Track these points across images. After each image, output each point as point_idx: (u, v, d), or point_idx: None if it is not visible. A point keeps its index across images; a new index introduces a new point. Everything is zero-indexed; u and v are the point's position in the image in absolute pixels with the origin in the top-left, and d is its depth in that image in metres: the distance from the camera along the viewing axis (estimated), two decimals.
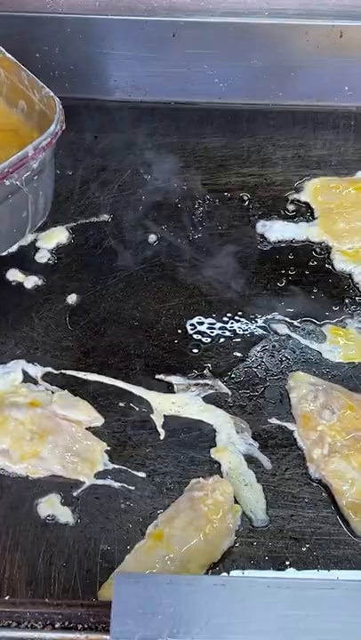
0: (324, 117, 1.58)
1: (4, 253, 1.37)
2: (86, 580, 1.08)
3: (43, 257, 1.39)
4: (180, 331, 1.31)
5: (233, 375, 1.27)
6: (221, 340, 1.30)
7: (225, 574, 1.09)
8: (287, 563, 1.10)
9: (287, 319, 1.33)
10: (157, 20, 1.51)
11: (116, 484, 1.16)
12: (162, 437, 1.21)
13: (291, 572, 1.09)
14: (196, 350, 1.29)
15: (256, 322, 1.32)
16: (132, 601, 0.92)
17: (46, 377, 1.26)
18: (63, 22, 1.51)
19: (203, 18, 1.51)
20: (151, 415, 1.23)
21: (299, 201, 1.47)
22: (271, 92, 1.58)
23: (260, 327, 1.32)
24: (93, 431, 1.21)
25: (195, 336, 1.31)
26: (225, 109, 1.58)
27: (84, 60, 1.55)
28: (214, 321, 1.32)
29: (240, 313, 1.33)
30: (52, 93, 1.30)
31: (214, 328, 1.31)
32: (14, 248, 1.39)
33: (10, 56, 1.35)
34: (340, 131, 1.57)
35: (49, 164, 1.31)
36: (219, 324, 1.32)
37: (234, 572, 1.10)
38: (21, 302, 1.34)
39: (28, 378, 1.26)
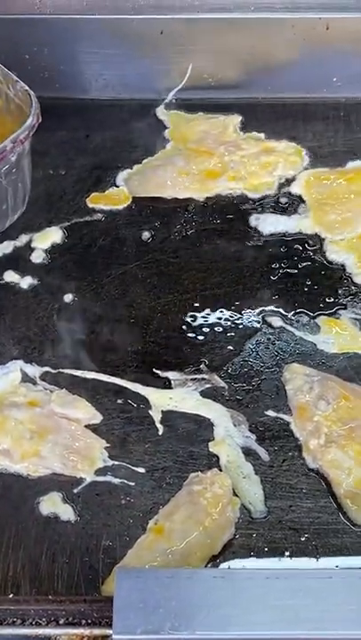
0: (313, 109, 1.59)
1: (0, 255, 1.39)
2: (89, 575, 1.09)
3: (38, 257, 1.40)
4: (175, 326, 1.32)
5: (229, 369, 1.28)
6: (217, 334, 1.32)
7: (226, 565, 1.11)
8: (287, 553, 1.11)
9: (281, 311, 1.34)
10: (145, 17, 1.52)
11: (117, 481, 1.18)
12: (160, 433, 1.22)
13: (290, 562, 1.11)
14: (191, 345, 1.30)
15: (251, 315, 1.34)
16: (133, 596, 0.93)
17: (44, 376, 1.27)
18: (51, 23, 1.52)
19: (190, 14, 1.52)
20: (149, 411, 1.24)
21: (291, 193, 1.48)
22: (260, 86, 1.59)
23: (254, 320, 1.33)
24: (92, 429, 1.22)
25: (190, 331, 1.32)
26: (215, 104, 1.58)
27: (74, 60, 1.56)
28: (209, 315, 1.33)
29: (234, 307, 1.34)
30: (26, 87, 1.32)
31: (209, 323, 1.33)
32: (9, 249, 1.41)
33: None
34: (330, 122, 1.58)
35: (26, 156, 1.33)
36: (214, 319, 1.33)
37: (234, 563, 1.11)
38: (18, 303, 1.35)
39: (26, 378, 1.27)
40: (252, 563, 1.11)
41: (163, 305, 1.35)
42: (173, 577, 0.95)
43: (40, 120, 1.29)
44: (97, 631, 1.00)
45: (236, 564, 1.11)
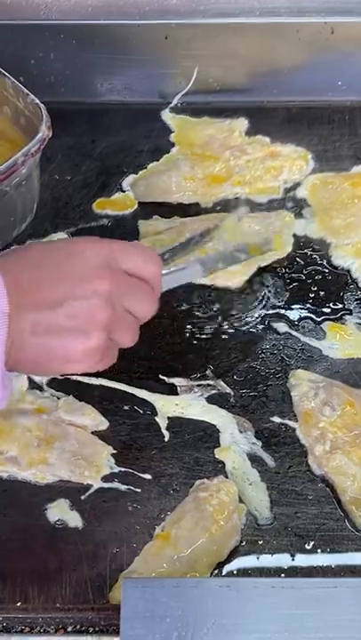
0: (319, 113, 1.59)
1: None
2: (97, 582, 1.10)
3: None
4: (181, 332, 1.33)
5: (235, 375, 1.29)
6: (222, 340, 1.32)
7: (234, 571, 1.12)
8: (292, 560, 1.12)
9: (287, 317, 1.35)
10: (150, 23, 1.53)
11: (123, 487, 1.18)
12: (166, 439, 1.23)
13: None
14: (197, 351, 1.31)
15: (256, 321, 1.34)
16: (139, 605, 0.94)
17: (51, 383, 1.28)
18: (57, 29, 1.52)
19: (194, 19, 1.52)
20: (155, 417, 1.25)
21: (296, 198, 1.48)
22: (266, 90, 1.59)
23: (260, 326, 1.34)
24: (99, 435, 1.23)
25: (196, 337, 1.33)
26: (220, 108, 1.59)
27: (79, 65, 1.57)
28: (215, 321, 1.34)
29: (240, 312, 1.35)
30: (37, 100, 1.32)
31: (215, 328, 1.33)
32: None
33: None
34: (335, 126, 1.58)
35: (36, 168, 1.35)
36: (219, 325, 1.34)
37: (242, 559, 1.13)
38: None
39: (33, 384, 1.28)
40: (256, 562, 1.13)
41: (168, 310, 1.35)
42: (180, 586, 0.97)
43: (51, 134, 1.30)
44: (105, 639, 1.01)
45: (242, 562, 1.13)
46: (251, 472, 1.20)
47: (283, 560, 1.13)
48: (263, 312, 1.35)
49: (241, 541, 1.14)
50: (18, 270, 0.96)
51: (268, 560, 1.13)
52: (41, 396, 1.26)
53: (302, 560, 1.12)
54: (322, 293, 1.37)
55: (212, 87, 1.59)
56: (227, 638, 0.94)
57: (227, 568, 1.12)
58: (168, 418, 1.25)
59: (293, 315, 1.35)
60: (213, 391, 1.27)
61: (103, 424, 1.24)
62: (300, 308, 1.36)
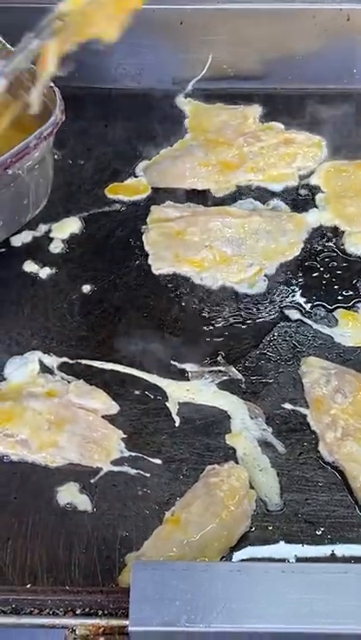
0: (333, 100, 1.59)
1: (19, 244, 1.40)
2: (106, 566, 1.10)
3: (57, 247, 1.41)
4: (192, 318, 1.33)
5: (246, 361, 1.28)
6: (234, 326, 1.32)
7: (243, 557, 1.11)
8: (302, 546, 1.12)
9: (299, 304, 1.34)
10: (165, 7, 1.52)
11: (133, 471, 1.18)
12: (177, 424, 1.23)
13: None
14: (209, 337, 1.31)
15: (268, 308, 1.34)
16: (149, 588, 0.94)
17: (62, 367, 1.28)
18: None
19: (209, 5, 1.53)
20: (166, 402, 1.24)
21: (310, 185, 1.48)
22: (280, 76, 1.59)
23: (272, 313, 1.33)
24: (109, 419, 1.23)
25: (208, 323, 1.32)
26: (234, 94, 1.58)
27: (93, 50, 1.54)
28: (226, 308, 1.34)
29: (252, 299, 1.35)
30: (51, 84, 1.31)
31: (227, 315, 1.33)
32: (28, 239, 1.41)
33: (10, 47, 1.36)
34: (349, 113, 1.57)
35: (49, 152, 1.34)
36: (231, 311, 1.33)
37: (250, 550, 1.13)
38: (36, 293, 1.36)
39: (44, 368, 1.28)
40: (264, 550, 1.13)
41: (180, 296, 1.35)
42: (189, 570, 0.96)
43: (64, 118, 1.29)
44: (114, 622, 1.01)
45: (251, 551, 1.12)
46: (261, 458, 1.20)
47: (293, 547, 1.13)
48: (275, 299, 1.35)
49: (251, 527, 1.13)
50: None
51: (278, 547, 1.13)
52: (52, 380, 1.26)
53: (312, 547, 1.12)
54: (334, 281, 1.37)
55: (226, 73, 1.59)
56: (236, 622, 0.93)
57: (237, 556, 1.11)
58: (179, 403, 1.25)
59: (306, 302, 1.34)
60: (225, 377, 1.27)
61: (113, 408, 1.24)
62: (313, 296, 1.35)
